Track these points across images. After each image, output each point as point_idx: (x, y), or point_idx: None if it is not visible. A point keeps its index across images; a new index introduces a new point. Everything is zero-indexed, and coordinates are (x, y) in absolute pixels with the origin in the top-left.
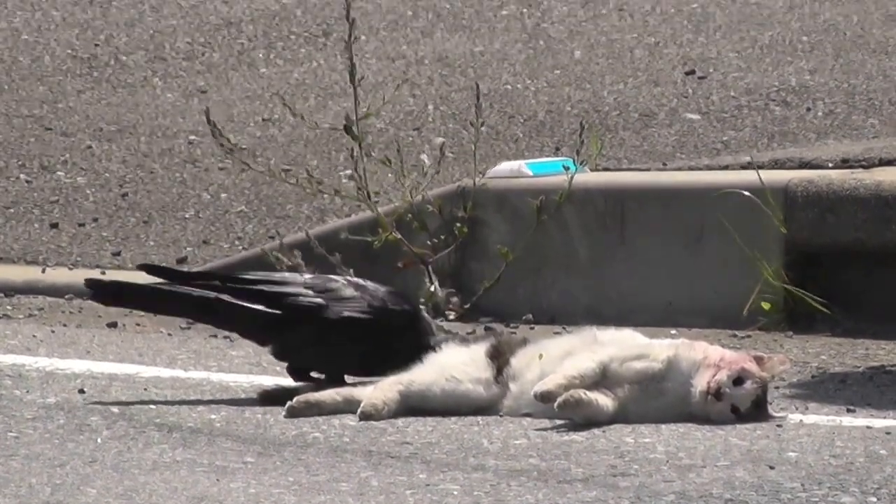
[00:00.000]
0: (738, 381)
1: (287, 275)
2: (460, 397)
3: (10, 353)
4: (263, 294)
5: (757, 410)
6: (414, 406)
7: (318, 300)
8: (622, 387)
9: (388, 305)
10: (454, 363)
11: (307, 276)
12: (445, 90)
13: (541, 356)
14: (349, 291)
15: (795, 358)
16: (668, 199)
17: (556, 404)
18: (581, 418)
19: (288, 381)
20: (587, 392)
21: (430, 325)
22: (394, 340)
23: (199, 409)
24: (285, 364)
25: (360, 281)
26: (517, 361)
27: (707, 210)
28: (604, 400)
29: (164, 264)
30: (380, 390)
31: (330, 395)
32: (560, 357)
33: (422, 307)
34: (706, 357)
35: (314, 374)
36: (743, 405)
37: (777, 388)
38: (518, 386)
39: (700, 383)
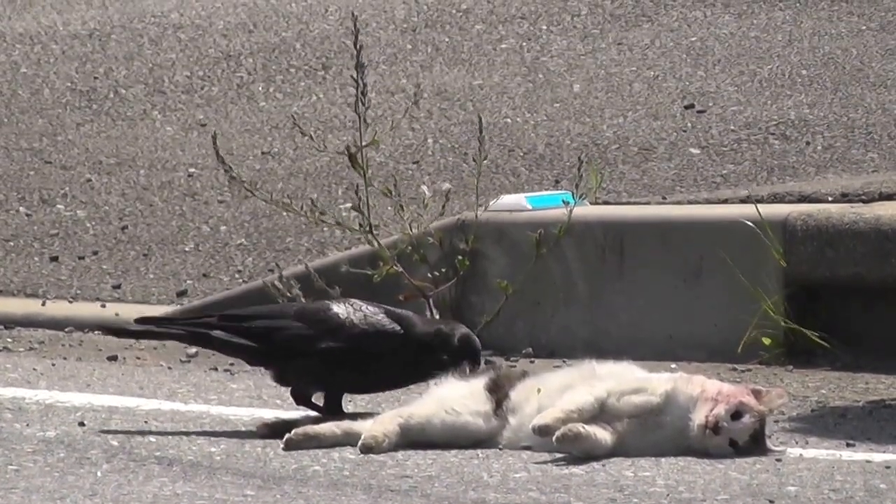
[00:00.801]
0: (736, 414)
1: (276, 307)
2: (460, 429)
3: (10, 385)
4: (252, 330)
5: (755, 444)
6: (414, 439)
7: (306, 332)
8: (621, 420)
9: (376, 329)
10: (454, 396)
11: (298, 305)
12: (445, 123)
13: (539, 390)
14: (340, 318)
15: (795, 392)
16: (668, 233)
17: (554, 438)
18: (580, 452)
19: (288, 414)
20: (585, 426)
21: (447, 341)
22: (388, 362)
23: (199, 442)
24: (288, 388)
25: (360, 304)
26: (516, 395)
27: (706, 244)
28: (602, 434)
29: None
30: (380, 423)
31: (329, 427)
32: (559, 391)
33: (434, 326)
34: (704, 391)
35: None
36: (741, 439)
37: (777, 422)
38: (517, 419)
39: (698, 417)
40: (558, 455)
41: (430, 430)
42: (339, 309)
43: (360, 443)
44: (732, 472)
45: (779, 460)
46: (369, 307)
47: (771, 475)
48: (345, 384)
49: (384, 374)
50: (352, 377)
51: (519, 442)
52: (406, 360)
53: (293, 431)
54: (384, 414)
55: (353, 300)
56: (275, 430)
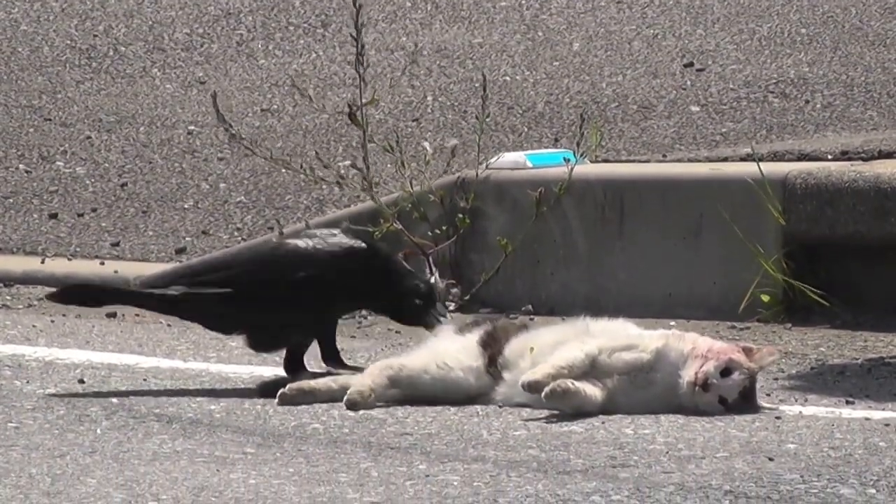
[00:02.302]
0: (725, 371)
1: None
2: (450, 384)
3: (10, 343)
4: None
5: (745, 402)
6: (404, 391)
7: (262, 275)
8: (611, 377)
9: (342, 248)
10: (447, 350)
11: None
12: (444, 81)
13: (532, 349)
14: (303, 249)
15: (794, 350)
16: (667, 191)
17: (543, 394)
18: (569, 408)
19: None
20: (575, 382)
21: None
22: (357, 282)
23: (198, 400)
24: (261, 353)
25: (312, 233)
26: (510, 351)
27: (706, 202)
28: (592, 390)
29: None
30: (368, 375)
31: (325, 382)
32: (552, 347)
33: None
34: (695, 348)
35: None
36: (730, 396)
37: (776, 379)
38: (512, 375)
39: (688, 374)
40: (558, 413)
41: (421, 384)
42: (299, 242)
43: (345, 398)
44: (732, 430)
45: (778, 418)
46: (322, 231)
47: (770, 433)
48: (332, 315)
49: (362, 291)
50: (339, 304)
51: (513, 398)
52: (378, 278)
53: (287, 387)
54: (374, 364)
55: (305, 232)
56: (274, 388)
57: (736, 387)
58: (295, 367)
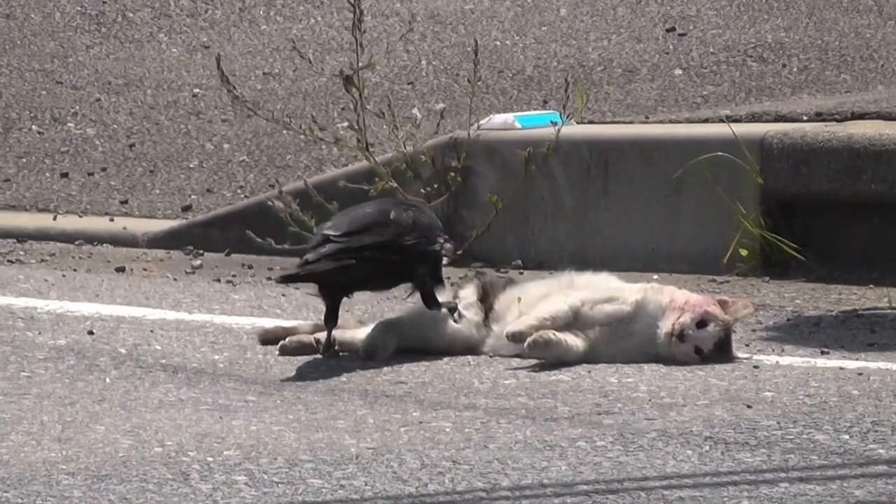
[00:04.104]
0: (701, 323)
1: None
2: (455, 333)
3: (23, 296)
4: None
5: (720, 352)
6: (409, 344)
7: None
8: (593, 329)
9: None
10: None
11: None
12: (438, 46)
13: (519, 299)
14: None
15: (771, 302)
16: (650, 151)
17: (525, 344)
18: (550, 357)
19: (288, 323)
20: (557, 333)
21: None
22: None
23: (202, 351)
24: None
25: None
26: (499, 304)
27: (687, 161)
28: (573, 340)
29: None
30: (377, 330)
31: (323, 336)
32: (538, 300)
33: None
34: (672, 300)
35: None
36: (706, 347)
37: (754, 331)
38: (499, 327)
39: (665, 325)
40: (546, 363)
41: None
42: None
43: (361, 349)
44: (712, 379)
45: (756, 367)
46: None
47: (748, 381)
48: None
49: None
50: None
51: (500, 349)
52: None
53: (287, 339)
54: (380, 322)
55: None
56: (274, 336)
57: (711, 338)
58: (334, 318)
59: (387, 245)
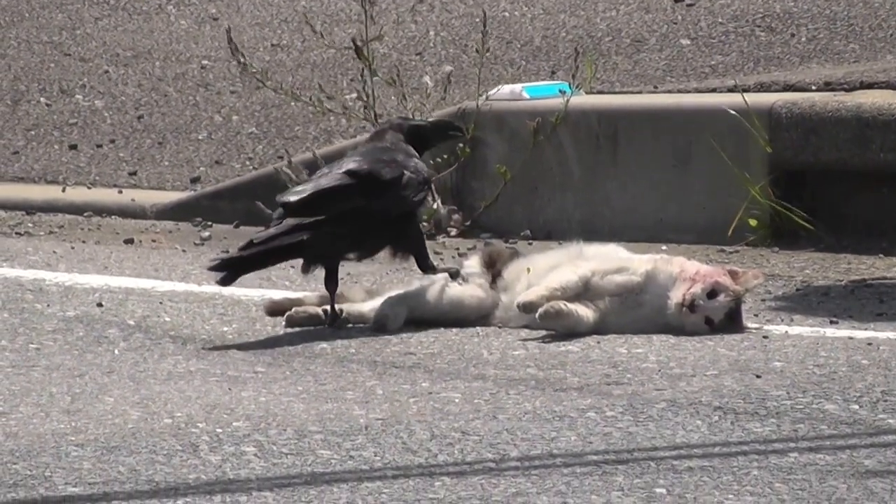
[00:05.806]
0: (711, 293)
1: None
2: (469, 298)
3: (32, 268)
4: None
5: (731, 322)
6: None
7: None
8: (603, 299)
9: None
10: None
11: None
12: (446, 17)
13: (528, 270)
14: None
15: (781, 272)
16: (659, 121)
17: (537, 314)
18: (561, 328)
19: (295, 294)
20: (567, 304)
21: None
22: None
23: (211, 322)
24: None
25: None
26: (508, 273)
27: (695, 131)
28: (584, 311)
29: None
30: (387, 304)
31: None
32: (547, 270)
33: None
34: (682, 271)
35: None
36: (716, 317)
37: (763, 301)
38: (508, 297)
39: (676, 296)
40: (555, 333)
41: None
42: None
43: (373, 321)
44: (721, 349)
45: (765, 337)
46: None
47: (758, 351)
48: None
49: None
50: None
51: (509, 320)
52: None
53: (293, 309)
54: (393, 294)
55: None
56: (281, 308)
57: (721, 308)
58: (334, 281)
59: (349, 213)
